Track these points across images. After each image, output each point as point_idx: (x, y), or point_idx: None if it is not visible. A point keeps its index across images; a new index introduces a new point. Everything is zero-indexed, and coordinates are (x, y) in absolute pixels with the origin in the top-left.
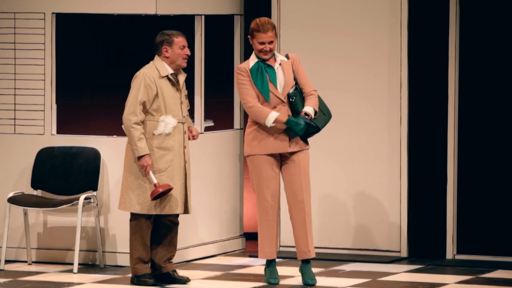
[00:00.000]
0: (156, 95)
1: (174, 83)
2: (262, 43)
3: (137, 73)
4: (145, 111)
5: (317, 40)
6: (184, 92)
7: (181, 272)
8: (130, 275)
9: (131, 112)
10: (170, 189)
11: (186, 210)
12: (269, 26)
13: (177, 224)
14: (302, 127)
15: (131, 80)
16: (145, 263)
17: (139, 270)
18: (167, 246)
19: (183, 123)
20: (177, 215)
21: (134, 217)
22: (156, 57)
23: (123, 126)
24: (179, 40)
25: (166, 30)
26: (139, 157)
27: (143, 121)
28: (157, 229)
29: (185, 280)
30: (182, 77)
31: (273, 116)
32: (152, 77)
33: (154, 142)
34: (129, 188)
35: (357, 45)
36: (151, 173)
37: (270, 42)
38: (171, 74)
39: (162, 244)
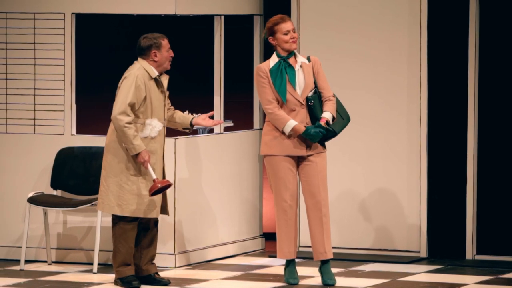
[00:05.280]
0: (145, 97)
1: (160, 86)
2: (287, 32)
3: (127, 74)
4: (133, 113)
5: (336, 39)
6: (167, 94)
7: (201, 273)
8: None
9: (122, 112)
10: (169, 185)
11: (164, 212)
12: (287, 17)
13: (156, 223)
14: (318, 140)
15: (120, 81)
16: (128, 266)
17: (122, 273)
18: (147, 248)
19: (165, 126)
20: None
21: (117, 219)
22: (141, 60)
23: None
24: (166, 43)
25: (148, 34)
26: (136, 155)
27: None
28: (137, 231)
29: (165, 282)
30: (165, 80)
31: (290, 125)
32: (142, 79)
33: None
34: (108, 190)
35: (376, 45)
36: (150, 168)
37: (294, 31)
38: (158, 76)
39: (142, 245)
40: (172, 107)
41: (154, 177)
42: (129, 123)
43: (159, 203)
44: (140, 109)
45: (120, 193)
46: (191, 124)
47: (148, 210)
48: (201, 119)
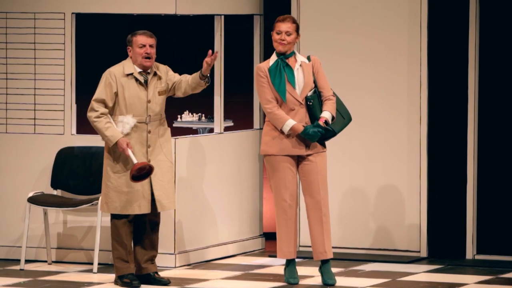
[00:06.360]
0: (116, 93)
1: (142, 83)
2: (279, 32)
3: (104, 72)
4: (110, 110)
5: (336, 39)
6: (160, 88)
7: (201, 273)
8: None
9: (90, 109)
10: (149, 167)
11: (154, 209)
12: (289, 18)
13: (156, 223)
14: (316, 139)
15: None
16: (126, 262)
17: (120, 270)
18: (146, 246)
19: (146, 123)
20: (157, 215)
21: (111, 217)
22: (128, 57)
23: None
24: (138, 39)
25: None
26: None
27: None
28: (136, 229)
29: (165, 282)
30: (151, 74)
31: (289, 124)
32: (114, 75)
33: None
34: (101, 189)
35: (376, 45)
36: (130, 154)
37: (288, 34)
38: (139, 72)
39: (141, 244)
40: (183, 75)
41: (135, 161)
42: (98, 116)
43: (145, 199)
44: (114, 106)
45: (106, 191)
46: (203, 75)
47: (129, 207)
48: (204, 65)
